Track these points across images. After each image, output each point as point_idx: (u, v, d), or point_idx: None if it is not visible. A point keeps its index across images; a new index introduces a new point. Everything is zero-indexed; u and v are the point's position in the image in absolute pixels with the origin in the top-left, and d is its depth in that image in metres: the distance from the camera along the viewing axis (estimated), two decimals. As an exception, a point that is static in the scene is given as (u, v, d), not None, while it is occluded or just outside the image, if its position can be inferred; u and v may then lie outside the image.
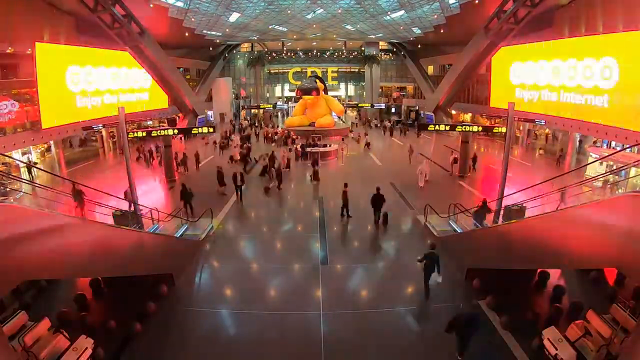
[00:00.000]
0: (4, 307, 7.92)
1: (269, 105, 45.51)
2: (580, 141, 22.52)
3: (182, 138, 30.27)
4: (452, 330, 6.74)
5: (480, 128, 20.81)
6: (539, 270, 9.49)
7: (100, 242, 6.55)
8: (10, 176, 14.00)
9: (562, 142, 24.66)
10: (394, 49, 46.47)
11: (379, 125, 39.48)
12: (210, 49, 41.52)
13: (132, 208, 11.41)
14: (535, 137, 29.27)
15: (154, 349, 7.23)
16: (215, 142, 27.17)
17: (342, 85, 52.41)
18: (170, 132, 17.34)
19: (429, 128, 19.70)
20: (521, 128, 29.22)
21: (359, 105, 45.23)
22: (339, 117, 37.81)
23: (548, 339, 6.72)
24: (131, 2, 18.11)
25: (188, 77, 39.24)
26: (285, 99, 50.61)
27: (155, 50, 20.32)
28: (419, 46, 41.27)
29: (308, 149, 23.28)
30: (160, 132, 16.95)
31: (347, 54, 50.30)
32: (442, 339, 7.55)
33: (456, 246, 10.92)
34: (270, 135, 30.37)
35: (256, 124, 39.62)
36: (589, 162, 19.92)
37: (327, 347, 7.19)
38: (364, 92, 49.24)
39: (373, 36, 40.22)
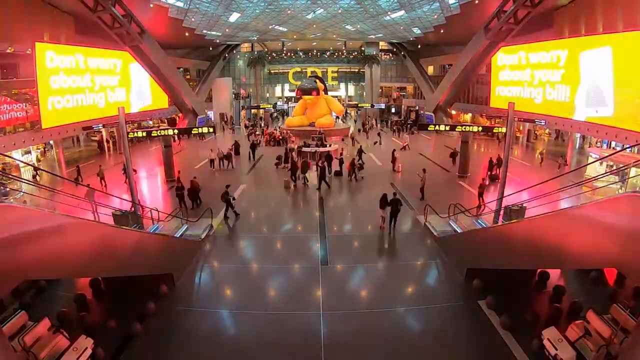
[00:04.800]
0: (4, 307, 7.93)
1: (269, 105, 45.50)
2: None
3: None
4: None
5: (480, 128, 20.79)
6: (539, 270, 9.49)
7: (100, 242, 6.55)
8: (10, 176, 13.99)
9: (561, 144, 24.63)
10: (394, 49, 46.45)
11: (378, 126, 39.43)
12: (210, 49, 41.49)
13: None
14: (535, 138, 29.32)
15: (154, 349, 7.23)
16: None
17: (342, 85, 52.39)
18: (170, 132, 17.31)
19: (428, 128, 19.69)
20: (521, 128, 29.26)
21: (359, 105, 45.22)
22: (341, 118, 37.89)
23: (548, 339, 6.72)
24: (131, 2, 18.10)
25: (188, 77, 39.21)
26: (285, 99, 50.61)
27: (155, 50, 20.29)
28: (419, 46, 41.26)
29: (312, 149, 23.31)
30: (160, 132, 16.92)
31: (347, 54, 50.27)
32: (442, 338, 7.58)
33: (456, 246, 10.92)
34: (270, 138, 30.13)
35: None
36: (588, 162, 19.94)
37: (327, 347, 7.19)
38: (364, 92, 49.23)
39: (373, 36, 40.20)
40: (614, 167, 15.55)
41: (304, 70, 48.64)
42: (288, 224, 13.92)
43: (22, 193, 14.10)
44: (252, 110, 45.35)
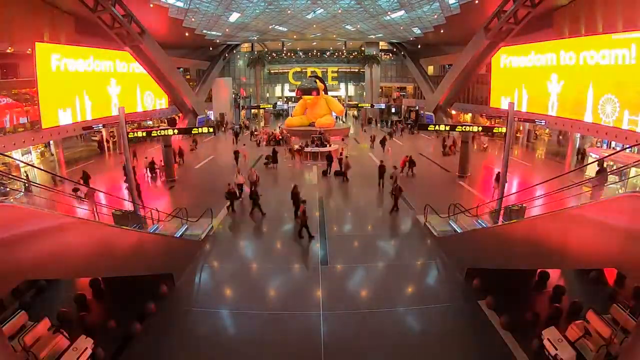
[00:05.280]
0: (4, 307, 7.93)
1: (269, 105, 45.51)
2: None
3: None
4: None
5: (480, 128, 20.79)
6: (539, 270, 9.49)
7: (100, 242, 6.55)
8: (10, 176, 13.99)
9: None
10: (394, 49, 46.45)
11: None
12: (210, 49, 41.47)
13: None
14: (535, 138, 29.30)
15: (154, 349, 7.23)
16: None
17: (342, 85, 52.39)
18: (170, 132, 17.30)
19: (429, 128, 19.69)
20: (521, 128, 29.25)
21: (359, 105, 45.24)
22: (341, 118, 37.95)
23: (548, 339, 6.72)
24: (131, 2, 18.08)
25: (188, 77, 39.19)
26: (285, 99, 50.63)
27: (155, 50, 20.24)
28: (419, 46, 41.23)
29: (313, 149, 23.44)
30: (160, 132, 16.91)
31: (347, 54, 50.27)
32: (442, 338, 7.58)
33: (456, 246, 10.92)
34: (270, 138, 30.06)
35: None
36: (588, 162, 19.94)
37: (327, 347, 7.19)
38: (364, 92, 49.23)
39: (373, 36, 40.19)
40: (614, 167, 15.55)
41: (304, 70, 48.62)
42: (288, 224, 13.91)
43: (21, 193, 14.11)
44: (252, 110, 45.36)
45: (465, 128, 19.17)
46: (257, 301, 8.79)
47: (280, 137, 29.40)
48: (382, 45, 47.26)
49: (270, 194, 17.01)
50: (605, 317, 6.81)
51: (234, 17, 28.17)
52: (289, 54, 50.62)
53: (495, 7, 18.76)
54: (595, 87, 19.10)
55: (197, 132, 24.08)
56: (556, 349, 6.46)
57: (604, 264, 7.11)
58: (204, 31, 31.45)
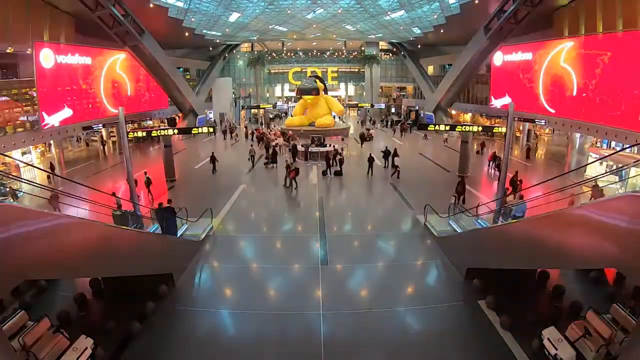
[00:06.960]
0: (4, 307, 7.92)
1: (269, 105, 45.52)
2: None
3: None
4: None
5: (480, 128, 20.78)
6: (539, 270, 9.49)
7: (100, 242, 6.55)
8: (11, 176, 14.00)
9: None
10: (394, 49, 46.47)
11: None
12: (210, 49, 41.49)
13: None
14: (535, 137, 29.28)
15: (154, 349, 7.23)
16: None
17: (342, 85, 52.42)
18: (170, 132, 17.31)
19: (428, 128, 19.70)
20: (521, 128, 29.22)
21: (359, 105, 45.28)
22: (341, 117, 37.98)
23: (548, 339, 6.71)
24: (131, 2, 18.09)
25: (188, 77, 39.20)
26: (285, 99, 50.64)
27: (155, 50, 20.25)
28: (419, 46, 41.26)
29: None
30: (160, 132, 16.93)
31: (347, 54, 50.31)
32: (442, 338, 7.58)
33: (456, 246, 10.92)
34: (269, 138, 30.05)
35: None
36: (588, 162, 19.93)
37: (327, 347, 7.18)
38: (364, 92, 49.25)
39: (373, 36, 40.21)
40: (614, 167, 15.55)
41: (304, 70, 48.67)
42: (288, 224, 13.92)
43: (22, 193, 14.10)
44: (252, 110, 45.36)
45: (465, 128, 19.17)
46: (257, 301, 8.79)
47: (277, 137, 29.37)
48: (382, 45, 47.29)
49: (269, 195, 17.04)
50: (605, 317, 6.81)
51: (234, 17, 28.18)
52: (289, 54, 50.66)
53: (495, 7, 18.78)
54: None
55: (197, 132, 24.09)
56: (556, 349, 6.45)
57: (604, 264, 7.10)
58: (204, 31, 31.46)
